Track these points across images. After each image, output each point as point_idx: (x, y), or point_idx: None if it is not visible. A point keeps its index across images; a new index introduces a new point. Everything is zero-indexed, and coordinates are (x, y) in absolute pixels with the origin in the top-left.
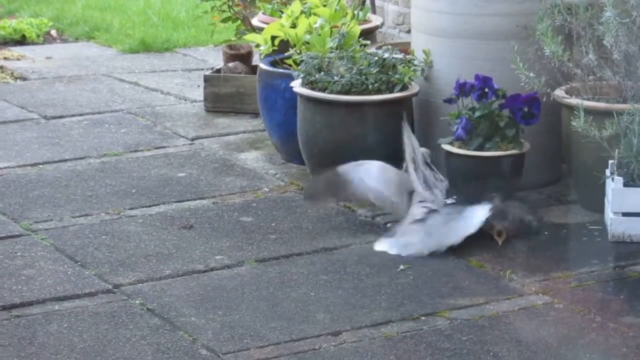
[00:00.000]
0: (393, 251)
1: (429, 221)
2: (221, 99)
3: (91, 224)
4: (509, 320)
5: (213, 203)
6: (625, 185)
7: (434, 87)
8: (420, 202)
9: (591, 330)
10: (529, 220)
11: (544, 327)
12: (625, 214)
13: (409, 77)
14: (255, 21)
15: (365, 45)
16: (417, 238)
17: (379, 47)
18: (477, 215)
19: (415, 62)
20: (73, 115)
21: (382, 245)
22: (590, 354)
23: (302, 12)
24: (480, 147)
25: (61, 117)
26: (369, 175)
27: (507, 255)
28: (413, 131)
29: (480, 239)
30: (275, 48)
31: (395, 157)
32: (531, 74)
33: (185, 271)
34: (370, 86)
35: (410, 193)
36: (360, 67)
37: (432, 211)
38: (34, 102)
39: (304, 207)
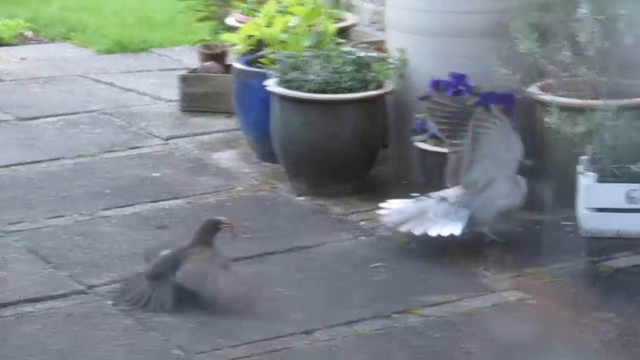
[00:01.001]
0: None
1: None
2: (197, 98)
3: (65, 225)
4: (482, 316)
5: (187, 203)
6: (598, 181)
7: (409, 85)
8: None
9: (564, 326)
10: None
11: (516, 323)
12: (597, 210)
13: (384, 76)
14: (230, 21)
15: (340, 44)
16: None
17: (354, 46)
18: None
19: (390, 61)
20: (48, 116)
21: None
22: (563, 350)
23: (277, 11)
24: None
25: (36, 118)
26: None
27: (480, 252)
28: (388, 129)
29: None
30: (251, 47)
31: (369, 156)
32: (506, 71)
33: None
34: (345, 85)
35: None
36: (336, 66)
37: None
38: (8, 103)
39: (278, 206)
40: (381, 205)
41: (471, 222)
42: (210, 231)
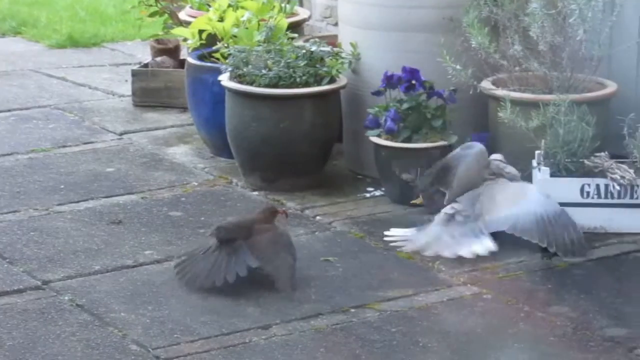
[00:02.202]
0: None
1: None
2: (149, 93)
3: (19, 221)
4: (438, 311)
5: (142, 198)
6: (552, 175)
7: (362, 79)
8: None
9: (519, 320)
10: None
11: (472, 317)
12: None
13: (337, 70)
14: (182, 15)
15: (292, 39)
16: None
17: (307, 40)
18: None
19: (343, 55)
20: (0, 111)
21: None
22: (518, 344)
23: (229, 5)
24: (408, 139)
25: None
26: None
27: None
28: (342, 124)
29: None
30: (203, 42)
31: (323, 151)
32: (458, 66)
33: (115, 267)
34: (298, 79)
35: None
36: (288, 61)
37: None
38: None
39: (233, 201)
40: (387, 234)
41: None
42: (270, 214)
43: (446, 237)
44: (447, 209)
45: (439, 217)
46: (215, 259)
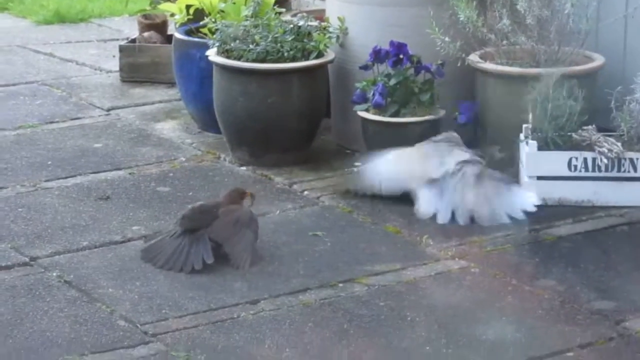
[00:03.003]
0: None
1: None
2: (137, 69)
3: (7, 197)
4: (426, 285)
5: (130, 174)
6: (540, 149)
7: (349, 54)
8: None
9: (507, 294)
10: None
11: (460, 291)
12: (539, 178)
13: (325, 45)
14: None
15: (280, 13)
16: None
17: (294, 15)
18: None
19: (331, 30)
20: None
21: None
22: (506, 317)
23: None
24: (396, 114)
25: None
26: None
27: (423, 220)
28: (329, 99)
29: (397, 205)
30: (190, 17)
31: (311, 126)
32: (447, 38)
33: (103, 242)
34: (285, 54)
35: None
36: (276, 35)
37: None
38: None
39: (221, 177)
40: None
41: None
42: (238, 196)
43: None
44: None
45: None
46: (177, 246)
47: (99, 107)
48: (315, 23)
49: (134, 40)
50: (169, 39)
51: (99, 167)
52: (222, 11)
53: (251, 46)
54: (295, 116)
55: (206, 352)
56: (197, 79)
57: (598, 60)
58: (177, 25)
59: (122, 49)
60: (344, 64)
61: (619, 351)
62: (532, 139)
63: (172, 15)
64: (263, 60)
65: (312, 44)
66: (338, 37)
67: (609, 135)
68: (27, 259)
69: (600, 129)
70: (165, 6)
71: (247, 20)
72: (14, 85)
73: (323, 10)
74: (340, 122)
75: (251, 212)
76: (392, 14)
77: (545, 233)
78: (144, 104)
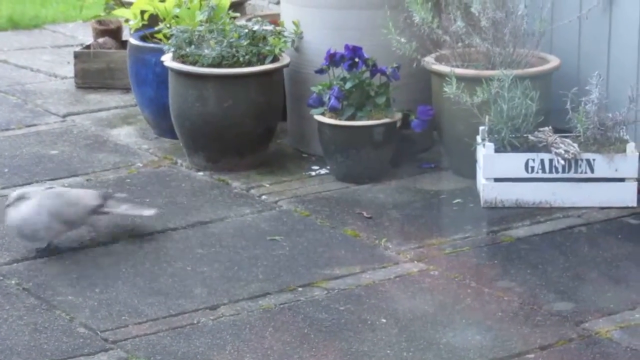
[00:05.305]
0: None
1: None
2: (92, 75)
3: None
4: (385, 288)
5: (86, 180)
6: (496, 151)
7: (304, 58)
8: None
9: (467, 296)
10: None
11: (420, 294)
12: (496, 180)
13: (280, 49)
14: None
15: (234, 18)
16: None
17: (249, 19)
18: None
19: (286, 34)
20: None
21: None
22: (466, 320)
23: None
24: (352, 117)
25: None
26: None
27: (381, 223)
28: (285, 103)
29: (352, 210)
30: (145, 22)
31: (267, 130)
32: (402, 39)
33: (60, 249)
34: (241, 59)
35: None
36: (231, 40)
37: None
38: None
39: (178, 182)
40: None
41: None
42: None
43: None
44: None
45: None
46: None
47: (54, 114)
48: (270, 27)
49: (88, 46)
50: (123, 44)
51: (55, 174)
52: (177, 16)
53: (206, 51)
54: (251, 120)
55: (166, 359)
56: (153, 84)
57: (553, 61)
58: (131, 31)
59: (76, 55)
60: (299, 67)
61: (579, 352)
62: (489, 141)
63: (127, 20)
64: (219, 65)
65: (268, 48)
66: (293, 41)
67: (565, 137)
68: None
69: (556, 130)
70: (119, 12)
71: (202, 25)
72: None
73: (278, 15)
74: (297, 125)
75: None
76: (346, 17)
77: (504, 235)
78: (99, 110)
